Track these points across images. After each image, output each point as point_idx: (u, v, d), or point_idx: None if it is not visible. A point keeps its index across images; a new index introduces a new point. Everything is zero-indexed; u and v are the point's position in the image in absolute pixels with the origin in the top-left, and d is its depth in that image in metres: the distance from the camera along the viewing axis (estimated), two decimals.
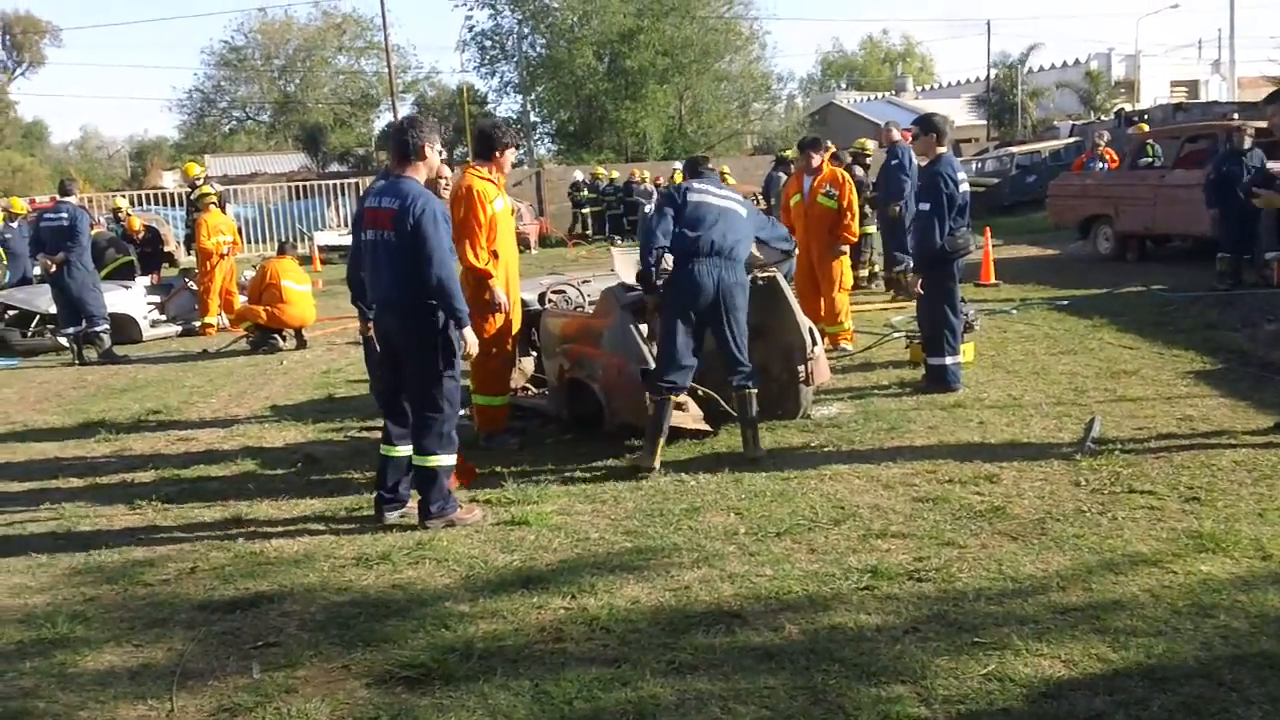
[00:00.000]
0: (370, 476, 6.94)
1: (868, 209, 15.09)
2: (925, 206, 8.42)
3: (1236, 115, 16.77)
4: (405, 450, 6.05)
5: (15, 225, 16.66)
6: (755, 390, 7.00)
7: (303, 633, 4.63)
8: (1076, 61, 52.40)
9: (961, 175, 8.54)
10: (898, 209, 13.56)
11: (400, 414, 6.06)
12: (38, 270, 14.55)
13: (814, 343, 7.73)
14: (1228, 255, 13.12)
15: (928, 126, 8.73)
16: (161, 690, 4.15)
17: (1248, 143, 13.20)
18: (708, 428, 7.42)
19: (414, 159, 5.90)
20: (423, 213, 5.70)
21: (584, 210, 31.70)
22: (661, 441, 6.79)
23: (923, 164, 9.16)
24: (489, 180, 7.35)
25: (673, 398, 6.87)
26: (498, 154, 7.41)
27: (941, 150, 8.60)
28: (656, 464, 6.75)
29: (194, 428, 9.03)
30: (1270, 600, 4.37)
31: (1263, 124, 13.05)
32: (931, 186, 8.41)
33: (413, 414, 5.99)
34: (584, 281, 9.17)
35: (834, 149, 18.18)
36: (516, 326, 7.70)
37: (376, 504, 6.15)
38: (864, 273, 15.57)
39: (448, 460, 5.98)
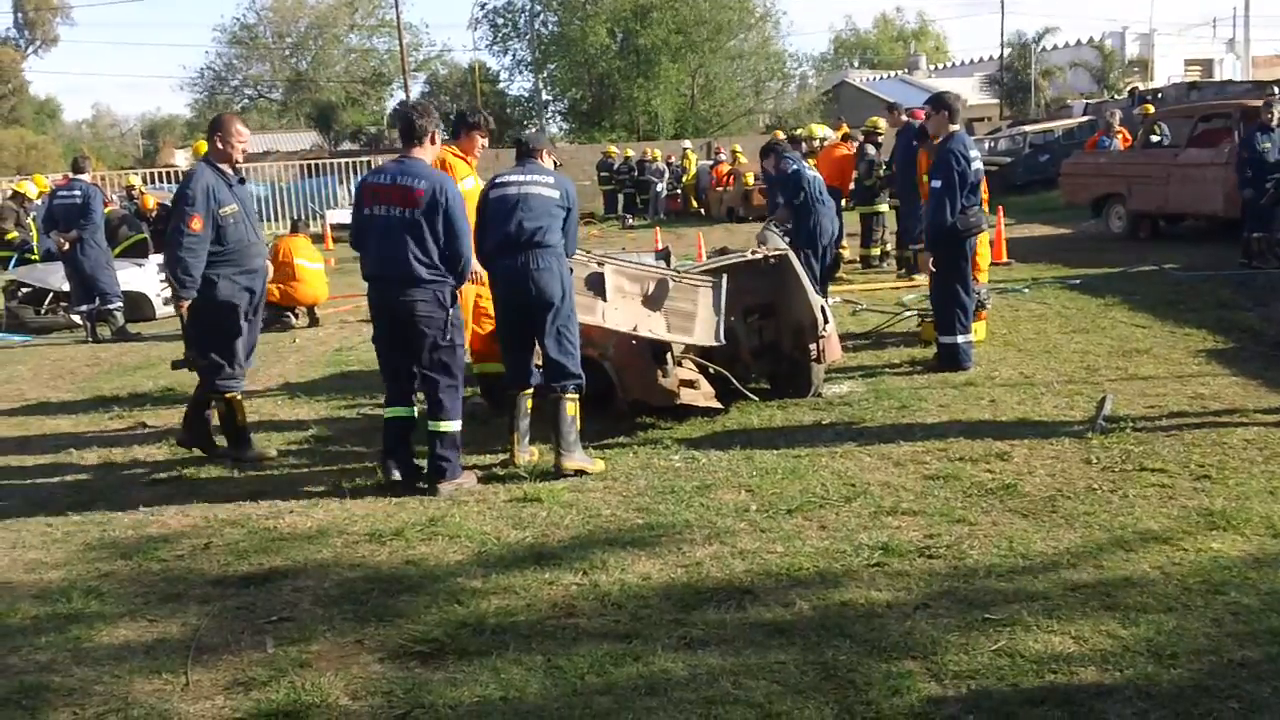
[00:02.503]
0: (377, 450, 7.02)
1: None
2: (937, 184, 8.39)
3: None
4: (403, 411, 6.34)
5: (39, 203, 16.71)
6: (572, 397, 6.38)
7: (316, 608, 4.66)
8: (1090, 40, 52.06)
9: (974, 153, 8.52)
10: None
11: (403, 380, 6.33)
12: (52, 248, 14.59)
13: (825, 320, 7.72)
14: (1262, 235, 12.99)
15: (940, 104, 8.76)
16: (176, 664, 4.18)
17: (1276, 120, 13.05)
18: (719, 405, 7.44)
19: (423, 142, 6.22)
20: (449, 192, 6.08)
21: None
22: (516, 436, 6.64)
23: (935, 142, 9.08)
24: (461, 158, 7.43)
25: (523, 394, 6.62)
26: (463, 133, 7.49)
27: (954, 128, 8.60)
28: (521, 460, 6.60)
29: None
30: None
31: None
32: (943, 164, 8.39)
33: (427, 383, 6.19)
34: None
35: (845, 128, 18.21)
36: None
37: (382, 461, 6.37)
38: (876, 251, 15.56)
39: (457, 425, 6.19)
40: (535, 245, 6.31)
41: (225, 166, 6.99)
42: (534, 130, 7.96)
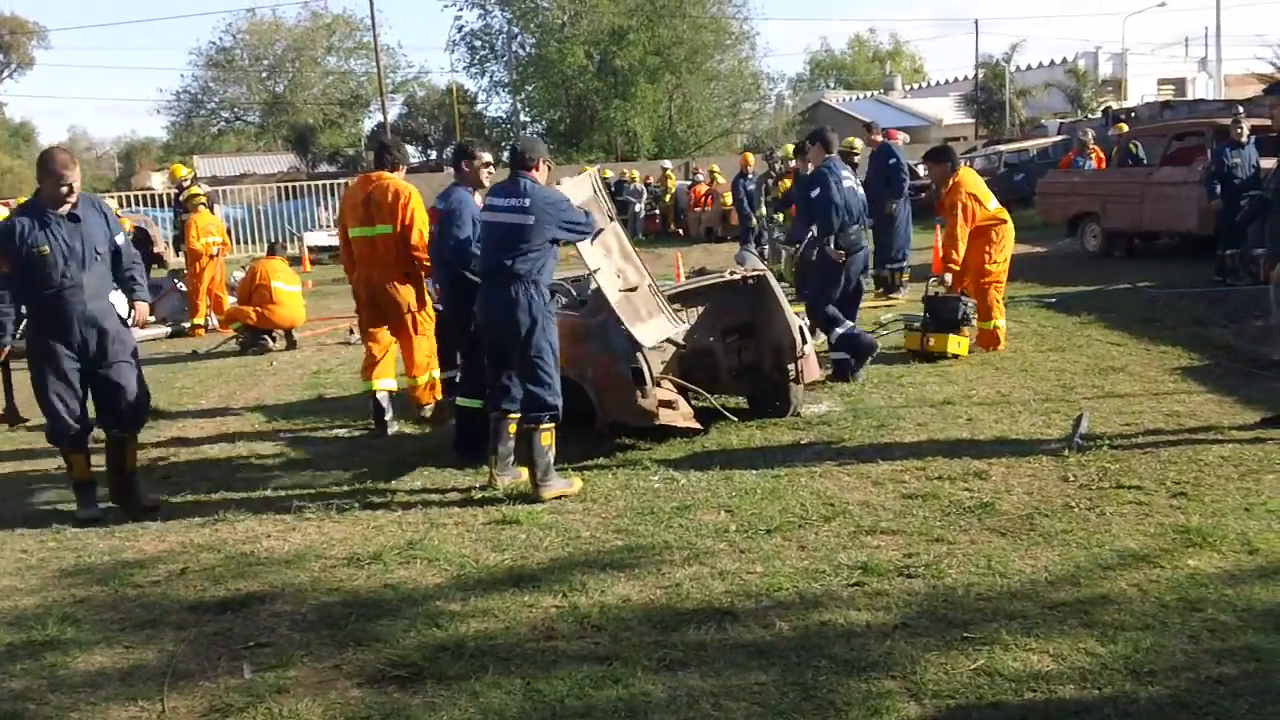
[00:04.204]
0: (356, 473, 7.07)
1: None
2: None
3: (1241, 110, 16.80)
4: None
5: None
6: (546, 427, 6.36)
7: (294, 633, 4.63)
8: (1064, 60, 52.50)
9: (845, 173, 9.27)
10: (894, 206, 13.85)
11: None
12: None
13: (804, 341, 7.75)
14: (1236, 252, 13.09)
15: (815, 138, 9.69)
16: (153, 691, 4.15)
17: (1245, 135, 13.22)
18: (698, 426, 7.43)
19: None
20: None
21: None
22: (494, 460, 6.65)
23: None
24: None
25: (507, 417, 6.65)
26: (399, 167, 8.23)
27: (829, 156, 9.39)
28: (500, 484, 6.58)
29: (184, 429, 9.01)
30: (1256, 594, 4.40)
31: (1260, 121, 13.16)
32: (821, 189, 9.15)
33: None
34: (575, 280, 9.17)
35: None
36: None
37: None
38: None
39: None
40: (504, 276, 6.32)
41: (59, 205, 6.19)
42: (528, 137, 7.89)
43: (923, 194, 23.82)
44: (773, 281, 7.87)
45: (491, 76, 50.64)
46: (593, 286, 7.31)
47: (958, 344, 9.61)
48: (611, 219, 7.33)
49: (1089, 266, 15.94)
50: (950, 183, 9.96)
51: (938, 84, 65.09)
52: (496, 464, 6.65)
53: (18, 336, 6.77)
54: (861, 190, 9.49)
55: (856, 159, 15.54)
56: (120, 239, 6.54)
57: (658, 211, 30.68)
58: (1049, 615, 4.31)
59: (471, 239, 7.13)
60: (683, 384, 7.64)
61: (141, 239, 18.78)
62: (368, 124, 57.80)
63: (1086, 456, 6.44)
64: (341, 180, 34.76)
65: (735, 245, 17.77)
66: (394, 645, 4.41)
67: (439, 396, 8.37)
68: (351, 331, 13.31)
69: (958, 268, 9.84)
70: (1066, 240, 18.17)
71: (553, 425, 6.40)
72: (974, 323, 9.75)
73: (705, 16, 46.31)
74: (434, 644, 4.39)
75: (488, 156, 7.72)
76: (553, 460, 6.41)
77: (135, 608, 5.03)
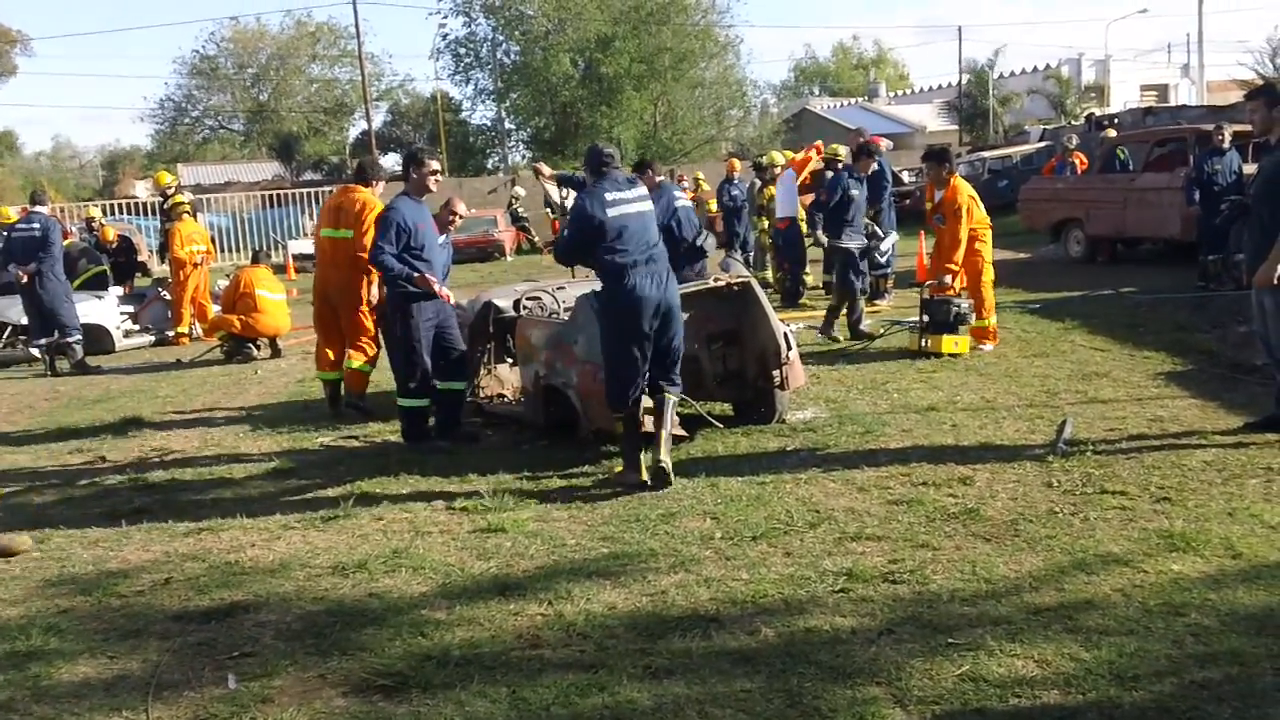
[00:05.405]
0: (340, 482, 7.07)
1: None
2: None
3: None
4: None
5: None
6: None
7: (279, 642, 4.61)
8: (1047, 66, 52.72)
9: (678, 192, 10.13)
10: (874, 214, 13.91)
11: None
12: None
13: (789, 347, 7.76)
14: (1218, 258, 13.14)
15: (642, 167, 10.17)
16: (137, 702, 4.13)
17: (1227, 142, 13.30)
18: (684, 433, 7.44)
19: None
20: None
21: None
22: (665, 438, 6.64)
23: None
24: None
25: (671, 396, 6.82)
26: (373, 182, 9.24)
27: (659, 179, 10.02)
28: (645, 476, 6.57)
29: (168, 438, 8.98)
30: (1240, 598, 4.42)
31: (1240, 127, 13.24)
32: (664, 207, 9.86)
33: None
34: (559, 288, 9.17)
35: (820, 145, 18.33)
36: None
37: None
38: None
39: None
40: (656, 260, 6.65)
41: None
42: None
43: (906, 201, 23.97)
44: (757, 288, 7.88)
45: (476, 84, 50.70)
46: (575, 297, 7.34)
47: (954, 344, 9.81)
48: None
49: (1072, 272, 16.01)
50: (949, 184, 10.13)
51: (922, 91, 65.37)
52: (664, 444, 6.59)
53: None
54: (690, 207, 10.15)
55: (841, 166, 15.59)
56: None
57: None
58: (1033, 620, 4.32)
59: (386, 249, 7.58)
60: None
61: (126, 247, 18.71)
62: (352, 132, 57.78)
63: (1070, 462, 6.47)
64: (326, 188, 34.71)
65: (719, 251, 17.76)
66: (379, 654, 4.40)
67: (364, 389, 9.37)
68: None
69: (958, 269, 10.04)
70: (1050, 246, 18.24)
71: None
72: (971, 321, 9.92)
73: (691, 24, 46.43)
74: (419, 653, 4.38)
75: (435, 164, 8.10)
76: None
77: (119, 618, 5.00)
